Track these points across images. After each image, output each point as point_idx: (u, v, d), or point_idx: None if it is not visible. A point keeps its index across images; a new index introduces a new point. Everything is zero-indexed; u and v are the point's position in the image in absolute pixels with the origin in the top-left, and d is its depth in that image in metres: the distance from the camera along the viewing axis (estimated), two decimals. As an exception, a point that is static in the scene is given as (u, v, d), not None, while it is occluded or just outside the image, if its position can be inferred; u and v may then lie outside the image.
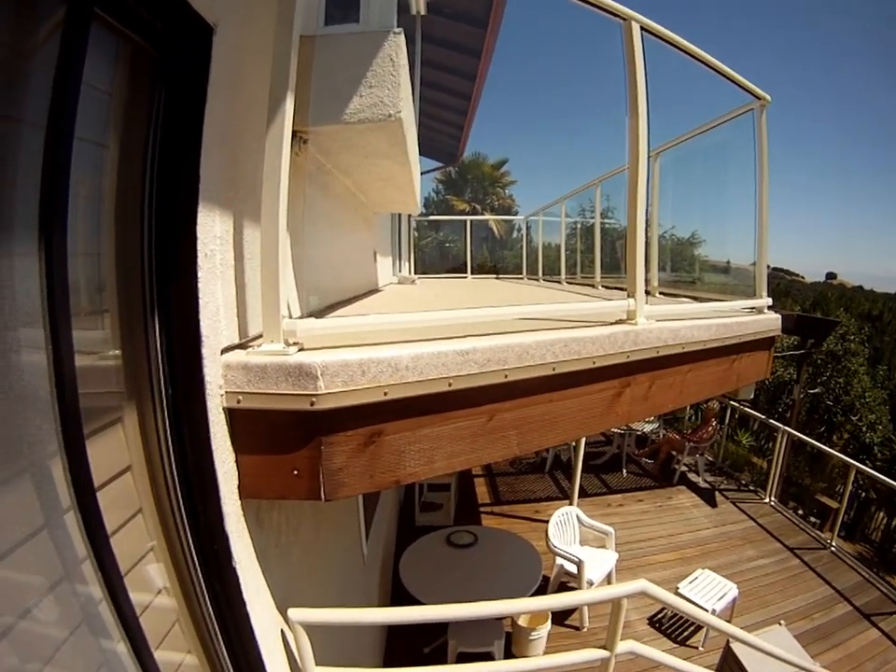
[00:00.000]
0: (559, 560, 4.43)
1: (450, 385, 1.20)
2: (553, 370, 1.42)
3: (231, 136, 1.18)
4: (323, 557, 2.10)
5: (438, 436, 1.22)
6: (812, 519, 6.89)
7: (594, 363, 1.56)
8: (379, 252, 4.32)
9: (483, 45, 5.21)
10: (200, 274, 1.05)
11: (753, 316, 2.71)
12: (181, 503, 1.11)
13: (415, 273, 6.90)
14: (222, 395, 1.12)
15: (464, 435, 1.26)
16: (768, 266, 2.91)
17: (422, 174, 4.13)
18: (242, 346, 1.20)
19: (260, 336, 1.16)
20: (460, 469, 1.24)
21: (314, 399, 1.05)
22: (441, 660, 3.83)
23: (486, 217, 18.46)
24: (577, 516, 4.75)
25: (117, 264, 1.00)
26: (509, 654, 3.97)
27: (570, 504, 5.26)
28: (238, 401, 1.12)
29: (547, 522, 4.59)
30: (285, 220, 1.14)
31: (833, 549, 5.45)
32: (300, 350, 1.14)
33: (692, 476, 7.16)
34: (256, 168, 1.18)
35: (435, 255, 17.40)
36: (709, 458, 7.59)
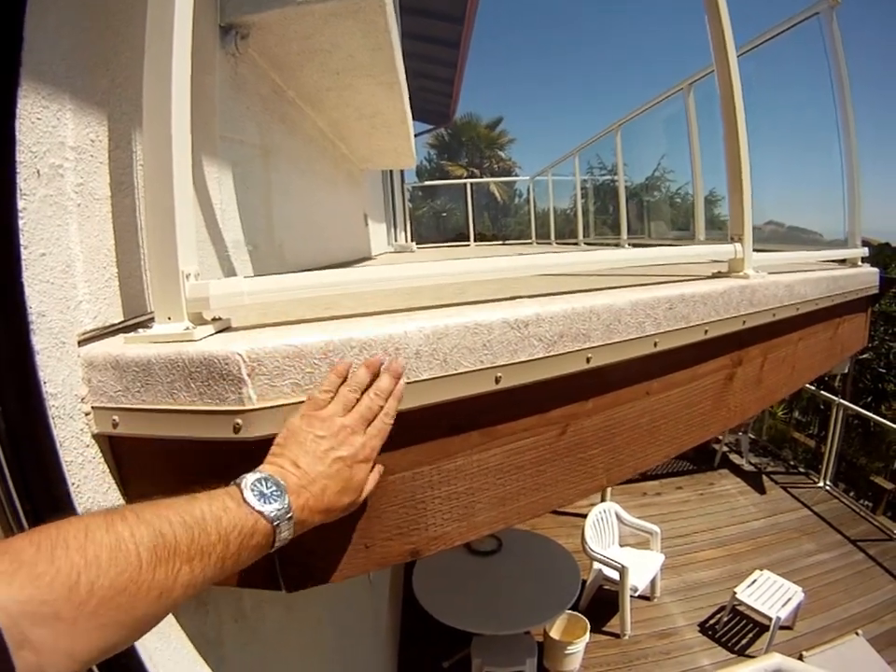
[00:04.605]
0: (597, 564, 3.93)
1: (497, 380, 0.67)
2: (655, 345, 0.88)
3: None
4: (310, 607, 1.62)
5: (479, 469, 0.69)
6: (865, 503, 6.26)
7: (705, 332, 1.02)
8: (370, 217, 3.78)
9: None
10: (23, 205, 0.55)
11: (854, 269, 2.16)
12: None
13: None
14: (87, 414, 0.61)
15: (523, 463, 0.73)
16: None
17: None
18: (129, 329, 0.69)
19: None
20: (518, 524, 0.72)
21: (238, 421, 0.53)
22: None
23: (487, 179, 16.97)
24: (616, 514, 4.22)
25: None
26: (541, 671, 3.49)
27: (602, 499, 4.70)
28: (114, 424, 0.61)
29: (575, 515, 4.06)
30: (186, 121, 0.62)
31: (900, 538, 4.83)
32: (221, 331, 0.62)
33: (734, 458, 6.54)
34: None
35: (432, 225, 15.91)
36: (752, 436, 6.96)
